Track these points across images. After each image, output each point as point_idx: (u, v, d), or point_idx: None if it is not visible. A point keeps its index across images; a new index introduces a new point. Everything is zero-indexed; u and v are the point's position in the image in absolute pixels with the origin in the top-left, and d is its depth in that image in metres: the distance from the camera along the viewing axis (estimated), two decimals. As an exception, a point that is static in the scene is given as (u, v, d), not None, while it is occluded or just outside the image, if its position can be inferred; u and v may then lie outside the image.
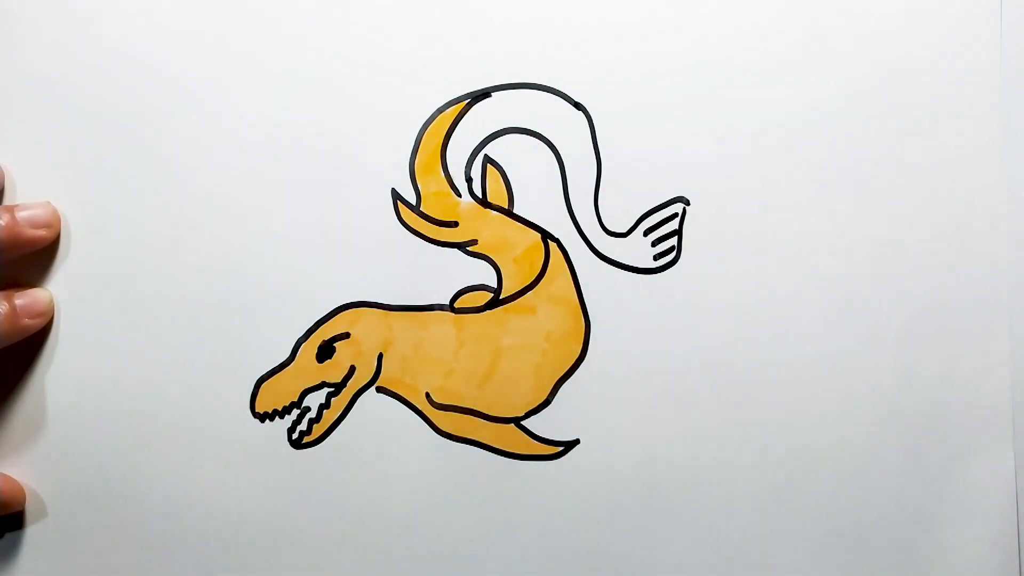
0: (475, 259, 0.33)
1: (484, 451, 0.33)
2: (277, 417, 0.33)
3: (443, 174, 0.33)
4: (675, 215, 0.33)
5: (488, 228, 0.33)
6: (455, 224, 0.33)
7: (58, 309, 0.33)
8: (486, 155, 0.33)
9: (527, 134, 0.33)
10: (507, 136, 0.33)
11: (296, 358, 0.33)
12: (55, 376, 0.33)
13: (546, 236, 0.33)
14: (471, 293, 0.33)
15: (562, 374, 0.33)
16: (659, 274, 0.33)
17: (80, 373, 0.33)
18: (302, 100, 0.33)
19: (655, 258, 0.33)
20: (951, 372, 0.33)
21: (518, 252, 0.33)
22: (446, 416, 0.33)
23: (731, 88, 0.33)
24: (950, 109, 0.33)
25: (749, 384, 0.33)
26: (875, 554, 0.33)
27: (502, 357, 0.33)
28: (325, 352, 0.33)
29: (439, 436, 0.33)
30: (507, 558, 0.33)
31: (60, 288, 0.33)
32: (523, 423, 0.33)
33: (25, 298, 0.32)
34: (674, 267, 0.33)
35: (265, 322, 0.33)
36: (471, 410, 0.33)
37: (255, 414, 0.33)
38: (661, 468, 0.33)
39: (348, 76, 0.33)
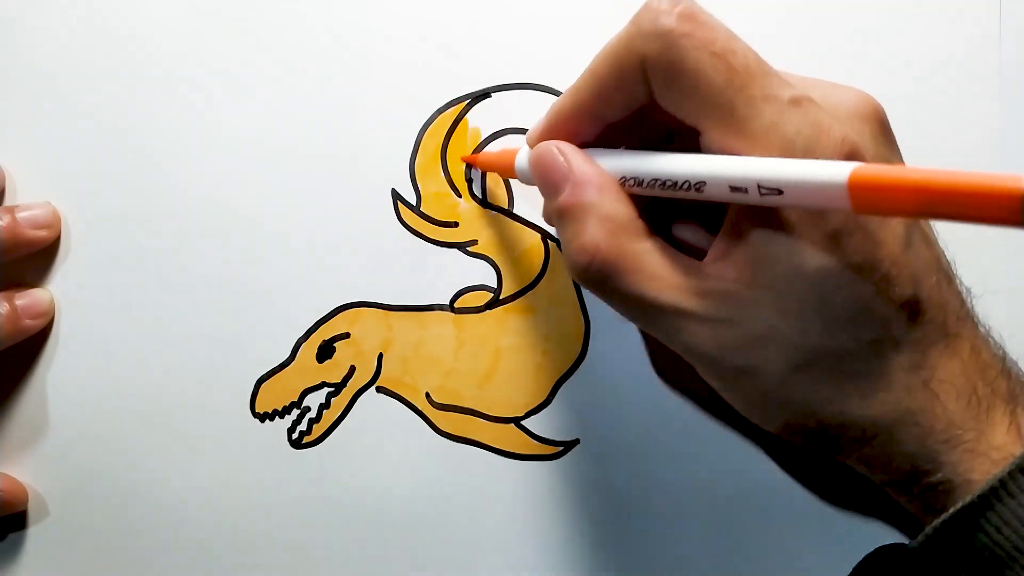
0: (475, 259, 0.33)
1: (484, 451, 0.33)
2: (277, 417, 0.33)
3: (443, 174, 0.33)
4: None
5: (488, 228, 0.33)
6: (455, 224, 0.33)
7: (58, 309, 0.33)
8: (486, 155, 0.33)
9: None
10: (507, 136, 0.33)
11: (296, 358, 0.33)
12: (55, 376, 0.33)
13: (546, 236, 0.33)
14: (471, 293, 0.33)
15: (562, 374, 0.33)
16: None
17: (80, 373, 0.33)
18: (302, 101, 0.33)
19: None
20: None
21: (518, 252, 0.33)
22: (446, 416, 0.33)
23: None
24: (949, 109, 0.33)
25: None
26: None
27: (502, 357, 0.33)
28: (325, 352, 0.33)
29: (439, 436, 0.33)
30: (507, 558, 0.33)
31: (60, 288, 0.33)
32: (523, 423, 0.33)
33: (26, 298, 0.33)
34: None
35: (265, 322, 0.33)
36: (471, 410, 0.33)
37: (255, 414, 0.33)
38: (661, 468, 0.33)
39: (348, 76, 0.33)
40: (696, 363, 0.26)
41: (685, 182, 0.23)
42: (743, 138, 0.23)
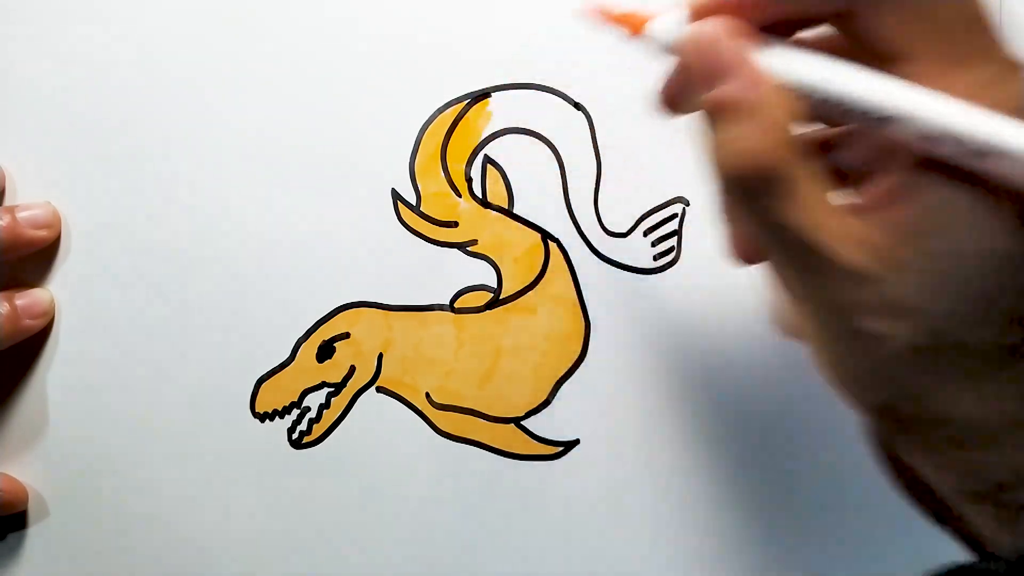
0: (475, 259, 0.33)
1: (484, 451, 0.33)
2: (277, 417, 0.33)
3: (443, 174, 0.33)
4: (675, 215, 0.33)
5: (488, 228, 0.33)
6: (455, 224, 0.33)
7: (58, 309, 0.33)
8: (486, 155, 0.33)
9: (527, 134, 0.33)
10: (507, 136, 0.33)
11: (296, 358, 0.33)
12: (55, 376, 0.33)
13: (546, 236, 0.33)
14: (471, 293, 0.33)
15: (562, 374, 0.33)
16: (659, 274, 0.33)
17: (80, 373, 0.33)
18: (302, 101, 0.33)
19: (655, 258, 0.33)
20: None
21: (518, 252, 0.33)
22: (446, 416, 0.33)
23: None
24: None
25: (749, 383, 0.33)
26: (881, 557, 0.33)
27: (502, 357, 0.33)
28: (325, 352, 0.33)
29: (439, 436, 0.33)
30: (507, 558, 0.33)
31: (60, 288, 0.33)
32: (523, 423, 0.33)
33: (26, 298, 0.33)
34: (674, 267, 0.33)
35: (265, 322, 0.33)
36: (471, 410, 0.33)
37: (255, 414, 0.33)
38: (661, 468, 0.33)
39: (348, 77, 0.33)
40: (811, 309, 0.23)
41: (869, 112, 0.20)
42: (969, 83, 0.19)
